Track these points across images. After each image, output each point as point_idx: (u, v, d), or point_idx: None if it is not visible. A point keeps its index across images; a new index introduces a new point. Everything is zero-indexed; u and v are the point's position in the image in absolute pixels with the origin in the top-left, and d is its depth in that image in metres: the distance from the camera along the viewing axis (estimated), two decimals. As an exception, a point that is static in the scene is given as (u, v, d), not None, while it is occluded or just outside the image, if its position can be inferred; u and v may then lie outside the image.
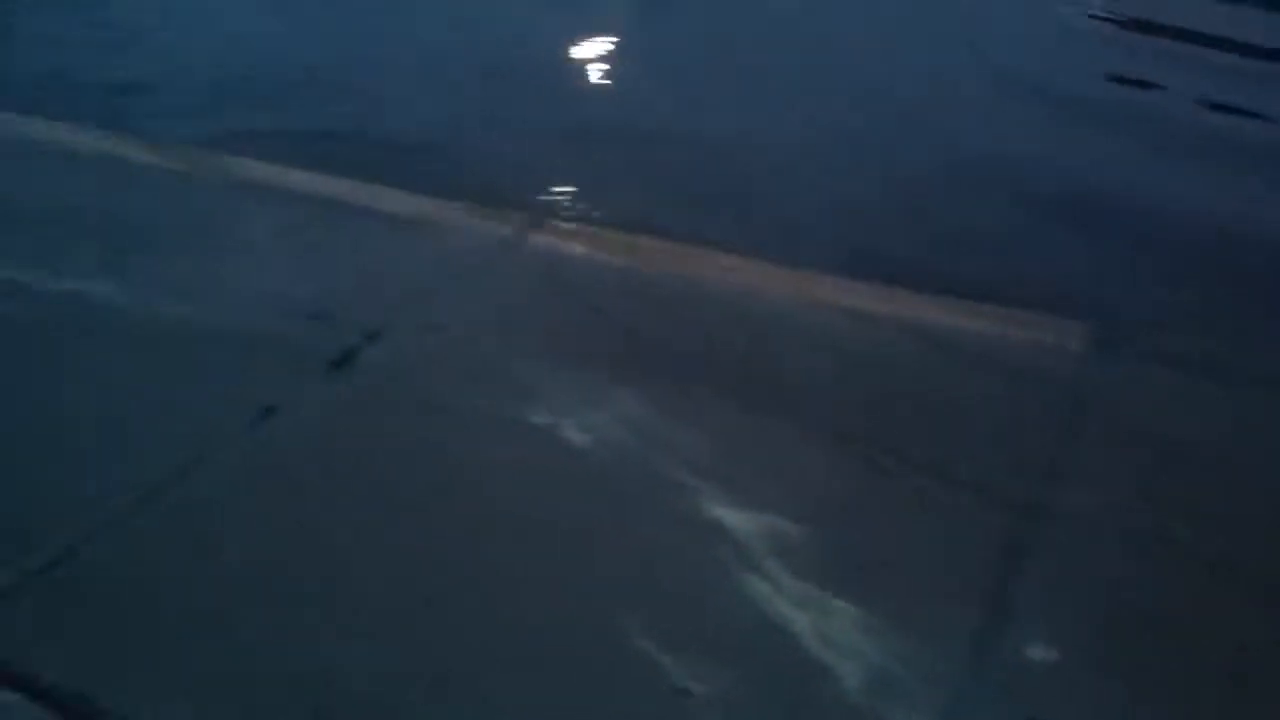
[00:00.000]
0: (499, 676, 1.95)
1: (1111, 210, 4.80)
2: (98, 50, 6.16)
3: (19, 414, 2.68)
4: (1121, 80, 6.47)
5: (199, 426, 2.61)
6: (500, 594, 2.14)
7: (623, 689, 1.94)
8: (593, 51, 6.78)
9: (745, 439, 2.69)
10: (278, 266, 3.46)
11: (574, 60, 6.68)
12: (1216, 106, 6.10)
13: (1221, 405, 3.03)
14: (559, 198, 4.71)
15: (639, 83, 6.34)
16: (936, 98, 6.05)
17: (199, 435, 2.57)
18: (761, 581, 2.19)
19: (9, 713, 1.80)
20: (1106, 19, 7.50)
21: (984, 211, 4.76)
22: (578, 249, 3.68)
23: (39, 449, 2.54)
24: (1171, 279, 4.27)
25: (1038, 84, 6.22)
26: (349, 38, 6.72)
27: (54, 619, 2.02)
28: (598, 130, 5.43)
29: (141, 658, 1.96)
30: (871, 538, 2.38)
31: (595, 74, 6.53)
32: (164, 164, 4.25)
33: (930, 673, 2.00)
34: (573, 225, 3.99)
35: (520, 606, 2.11)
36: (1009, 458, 2.68)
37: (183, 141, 4.70)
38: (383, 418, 2.73)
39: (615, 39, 6.94)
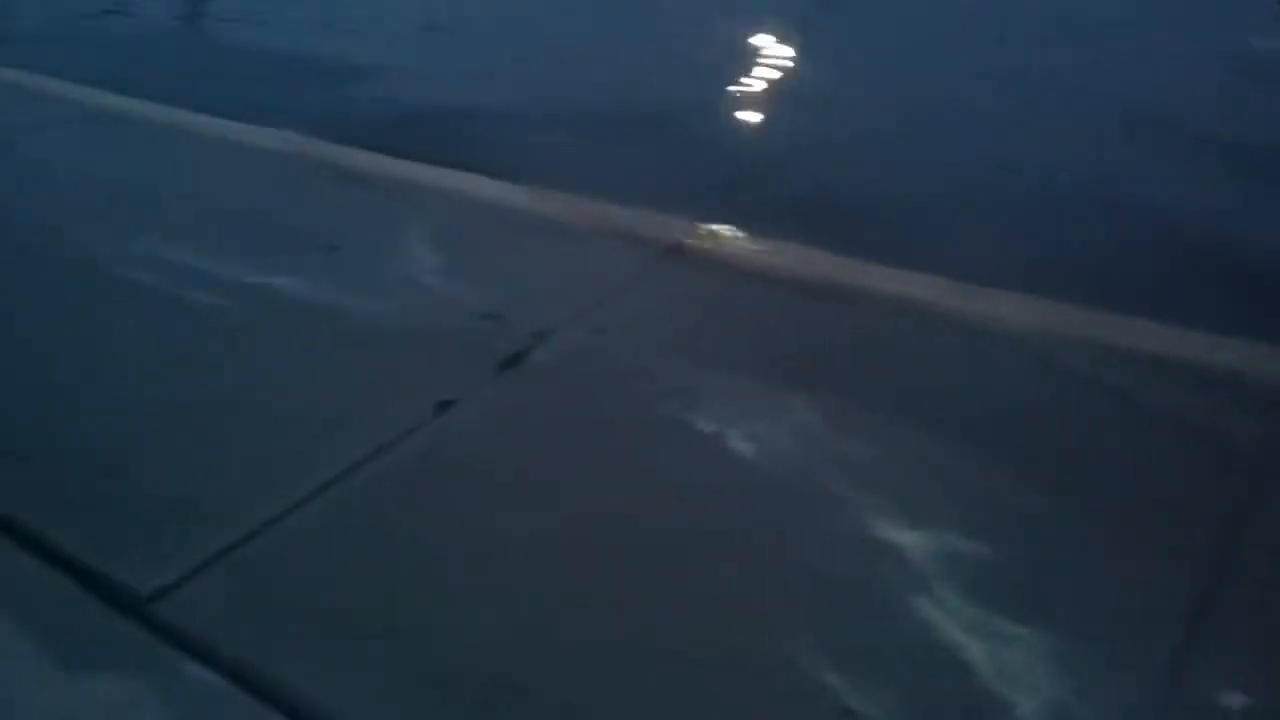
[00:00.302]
0: (659, 687, 1.94)
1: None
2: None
3: (213, 399, 2.84)
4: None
5: (382, 417, 2.71)
6: (663, 605, 2.13)
7: (788, 708, 1.91)
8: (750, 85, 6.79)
9: (920, 457, 2.62)
10: (454, 270, 3.58)
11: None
12: None
13: None
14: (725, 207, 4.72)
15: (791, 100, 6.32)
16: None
17: (382, 425, 2.67)
18: (933, 604, 2.12)
19: (203, 690, 1.90)
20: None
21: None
22: (744, 259, 3.67)
23: (232, 434, 2.68)
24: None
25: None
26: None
27: (243, 597, 2.12)
28: (768, 146, 5.44)
29: (324, 637, 2.04)
30: (1052, 563, 2.28)
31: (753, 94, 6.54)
32: (374, 169, 4.46)
33: (1111, 711, 1.90)
34: (738, 234, 3.98)
35: (684, 619, 2.09)
36: (1211, 487, 2.53)
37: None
38: (550, 417, 2.78)
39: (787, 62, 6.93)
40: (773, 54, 7.71)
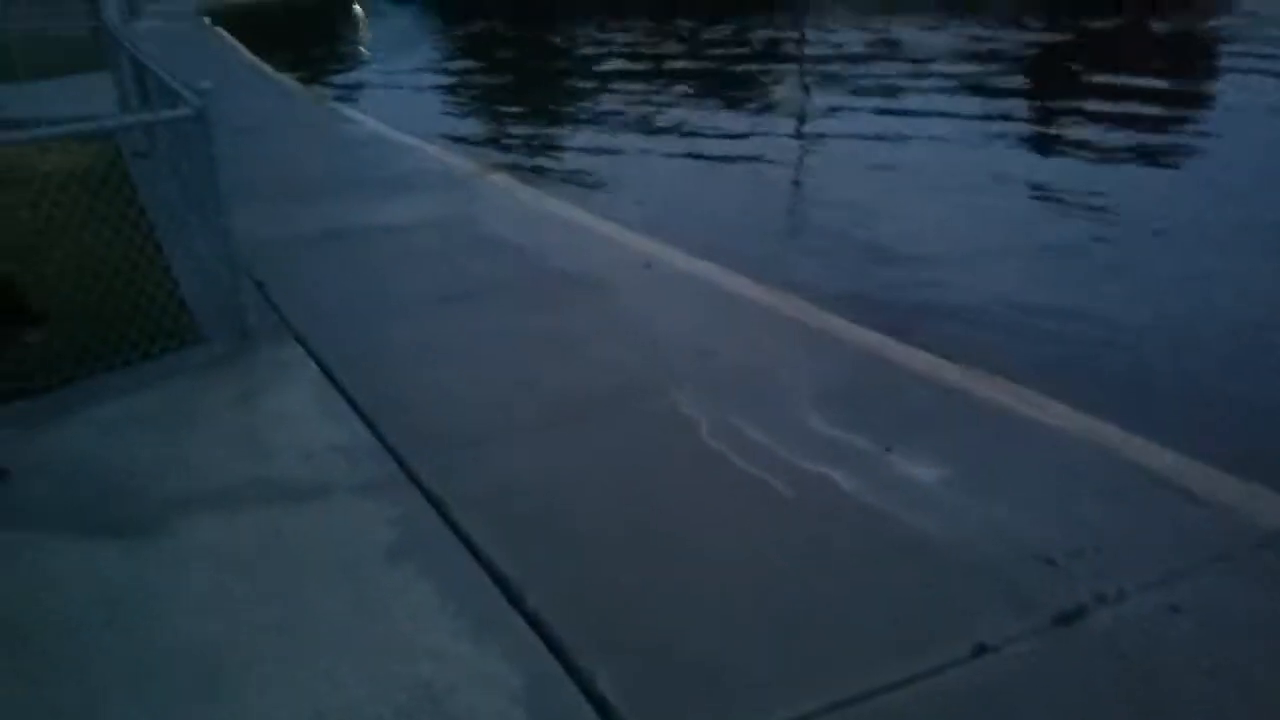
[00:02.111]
0: None
1: None
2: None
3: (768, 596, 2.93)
4: None
5: (916, 643, 2.62)
6: None
7: None
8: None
9: None
10: (1007, 495, 3.41)
11: None
12: None
13: None
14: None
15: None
16: None
17: (915, 652, 2.58)
18: None
19: None
20: None
21: None
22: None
23: (701, 647, 2.74)
24: None
25: None
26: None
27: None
28: None
29: None
30: None
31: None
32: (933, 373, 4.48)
33: None
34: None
35: None
36: None
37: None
38: (1104, 694, 2.49)
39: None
40: None
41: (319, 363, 4.76)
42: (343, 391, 4.45)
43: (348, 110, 13.50)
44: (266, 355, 4.90)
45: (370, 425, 4.13)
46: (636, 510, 3.46)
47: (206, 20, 32.10)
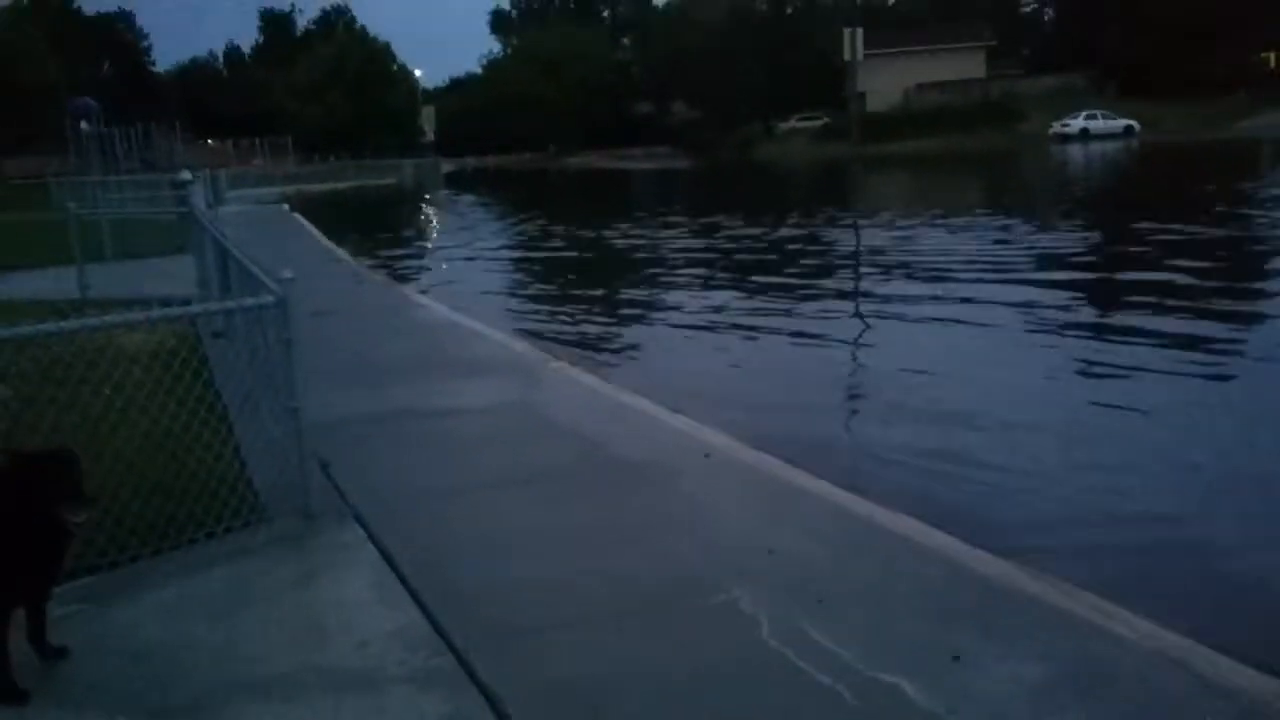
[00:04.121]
0: None
1: None
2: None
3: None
4: None
5: None
6: None
7: None
8: None
9: None
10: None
11: None
12: None
13: None
14: None
15: None
16: None
17: None
18: None
19: None
20: None
21: None
22: None
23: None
24: None
25: None
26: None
27: None
28: None
29: None
30: None
31: None
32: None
33: None
34: None
35: None
36: None
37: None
38: None
39: None
40: None
41: (379, 546, 4.77)
42: (401, 577, 4.44)
43: (416, 296, 13.96)
44: (328, 537, 4.93)
45: (427, 613, 4.10)
46: (694, 715, 3.37)
47: (285, 207, 33.83)
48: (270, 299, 5.10)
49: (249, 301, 5.44)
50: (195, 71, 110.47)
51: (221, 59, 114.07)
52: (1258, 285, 13.03)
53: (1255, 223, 18.33)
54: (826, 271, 15.96)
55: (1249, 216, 18.97)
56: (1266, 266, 14.33)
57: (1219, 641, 3.77)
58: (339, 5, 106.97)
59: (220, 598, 4.34)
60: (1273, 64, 65.46)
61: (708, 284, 15.25)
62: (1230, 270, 13.81)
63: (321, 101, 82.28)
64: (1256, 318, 10.97)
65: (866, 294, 13.51)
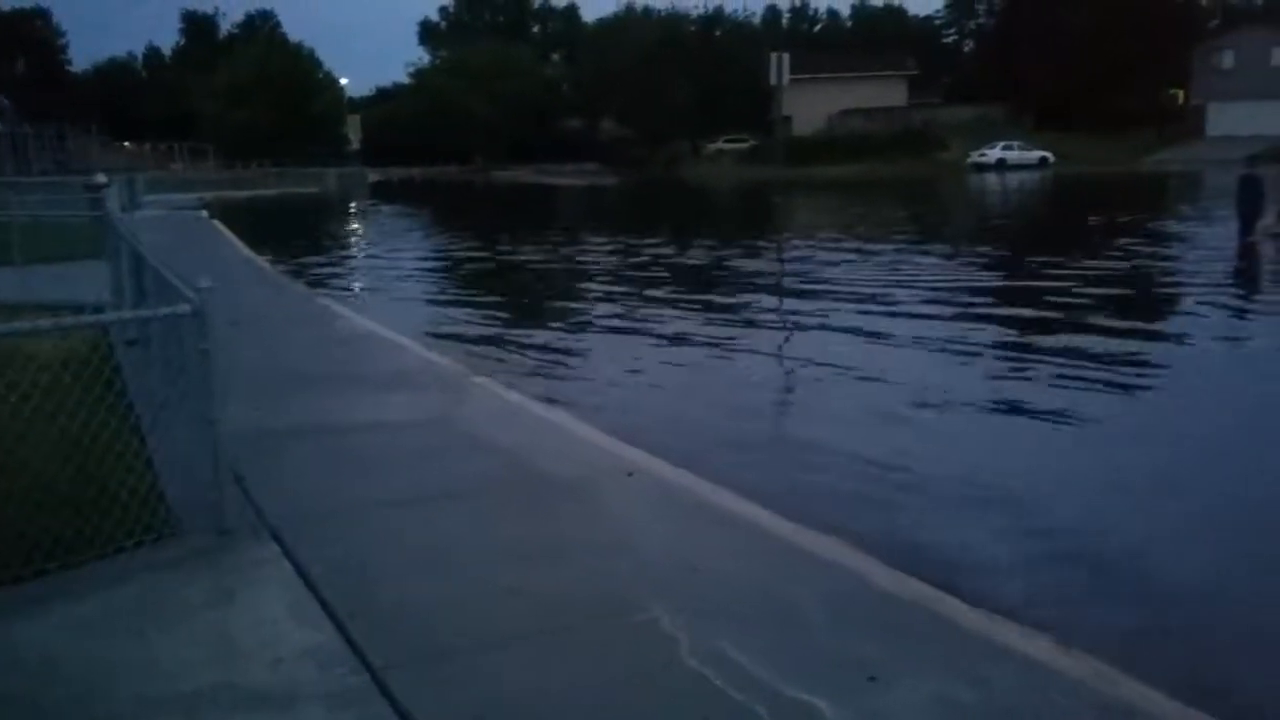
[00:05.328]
0: None
1: None
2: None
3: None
4: None
5: None
6: None
7: None
8: None
9: None
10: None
11: None
12: None
13: None
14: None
15: None
16: None
17: None
18: None
19: None
20: None
21: None
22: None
23: None
24: None
25: None
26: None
27: None
28: None
29: None
30: None
31: None
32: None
33: None
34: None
35: None
36: None
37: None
38: None
39: None
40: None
41: (295, 562, 4.69)
42: (317, 594, 4.38)
43: (337, 306, 13.77)
44: (243, 553, 4.83)
45: (343, 631, 4.05)
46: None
47: (205, 213, 33.10)
48: (187, 308, 4.99)
49: (165, 310, 5.33)
50: (113, 72, 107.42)
51: (141, 60, 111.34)
52: (1122, 311, 13.57)
53: (1137, 255, 18.74)
54: (749, 290, 16.14)
55: (1134, 250, 19.39)
56: (1137, 295, 14.90)
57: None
58: (264, 10, 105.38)
59: (132, 614, 4.23)
60: (1181, 100, 68.11)
61: (637, 298, 15.32)
62: (1104, 297, 14.18)
63: (244, 107, 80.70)
64: (1133, 332, 11.38)
65: (793, 312, 13.72)
